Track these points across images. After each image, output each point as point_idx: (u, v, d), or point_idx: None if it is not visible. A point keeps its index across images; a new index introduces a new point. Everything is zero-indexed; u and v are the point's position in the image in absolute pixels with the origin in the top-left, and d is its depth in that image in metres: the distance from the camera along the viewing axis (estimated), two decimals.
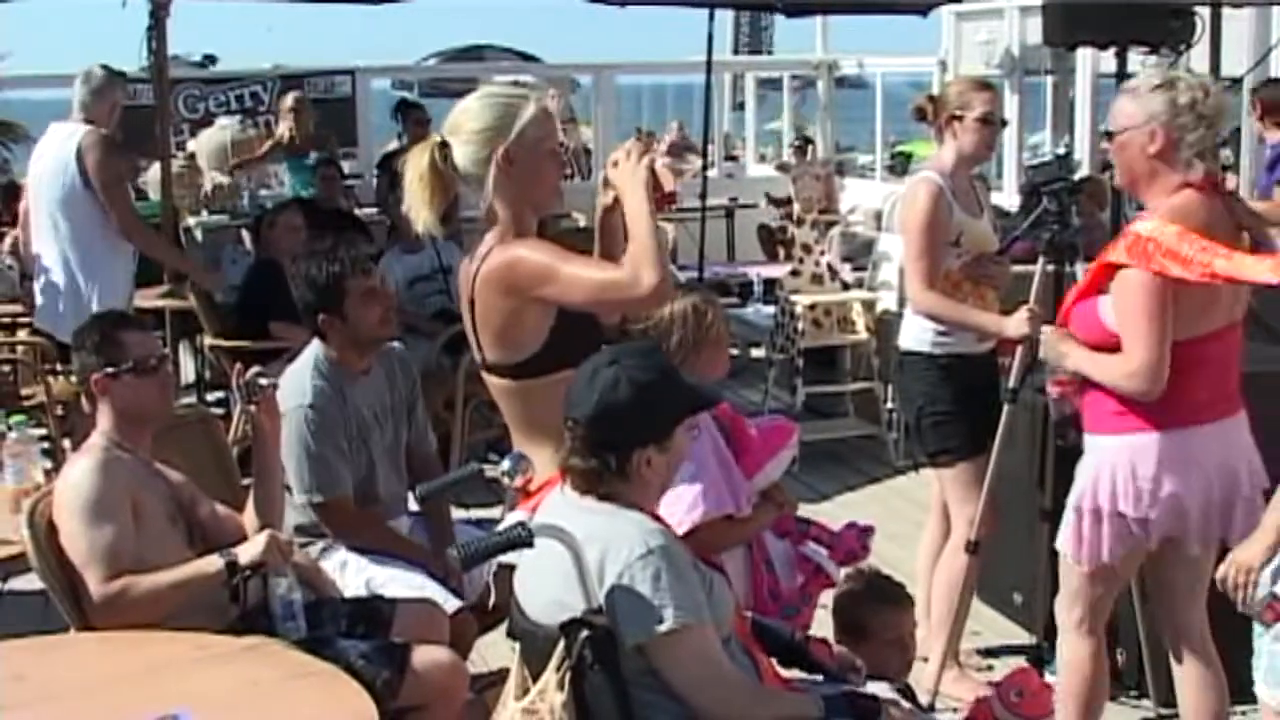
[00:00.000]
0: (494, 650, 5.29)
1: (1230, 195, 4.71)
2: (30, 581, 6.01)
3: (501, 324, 3.96)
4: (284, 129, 12.82)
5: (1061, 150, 5.61)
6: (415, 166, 3.99)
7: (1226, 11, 8.35)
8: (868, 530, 4.86)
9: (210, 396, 10.35)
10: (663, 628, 3.31)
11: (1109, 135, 4.53)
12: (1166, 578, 4.74)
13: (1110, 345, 4.41)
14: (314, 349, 5.25)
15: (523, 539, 3.38)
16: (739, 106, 20.82)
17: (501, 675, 4.49)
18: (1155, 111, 4.40)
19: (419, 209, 3.98)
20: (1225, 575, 4.13)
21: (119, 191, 7.93)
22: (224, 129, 13.52)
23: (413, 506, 5.40)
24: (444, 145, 3.97)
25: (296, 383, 5.09)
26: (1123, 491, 4.46)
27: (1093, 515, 4.52)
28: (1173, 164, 4.43)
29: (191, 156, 13.15)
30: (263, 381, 4.52)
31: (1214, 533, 4.54)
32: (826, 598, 4.73)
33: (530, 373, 3.95)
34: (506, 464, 3.73)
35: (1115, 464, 4.47)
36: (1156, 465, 4.44)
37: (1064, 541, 4.62)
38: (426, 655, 4.36)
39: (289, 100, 13.01)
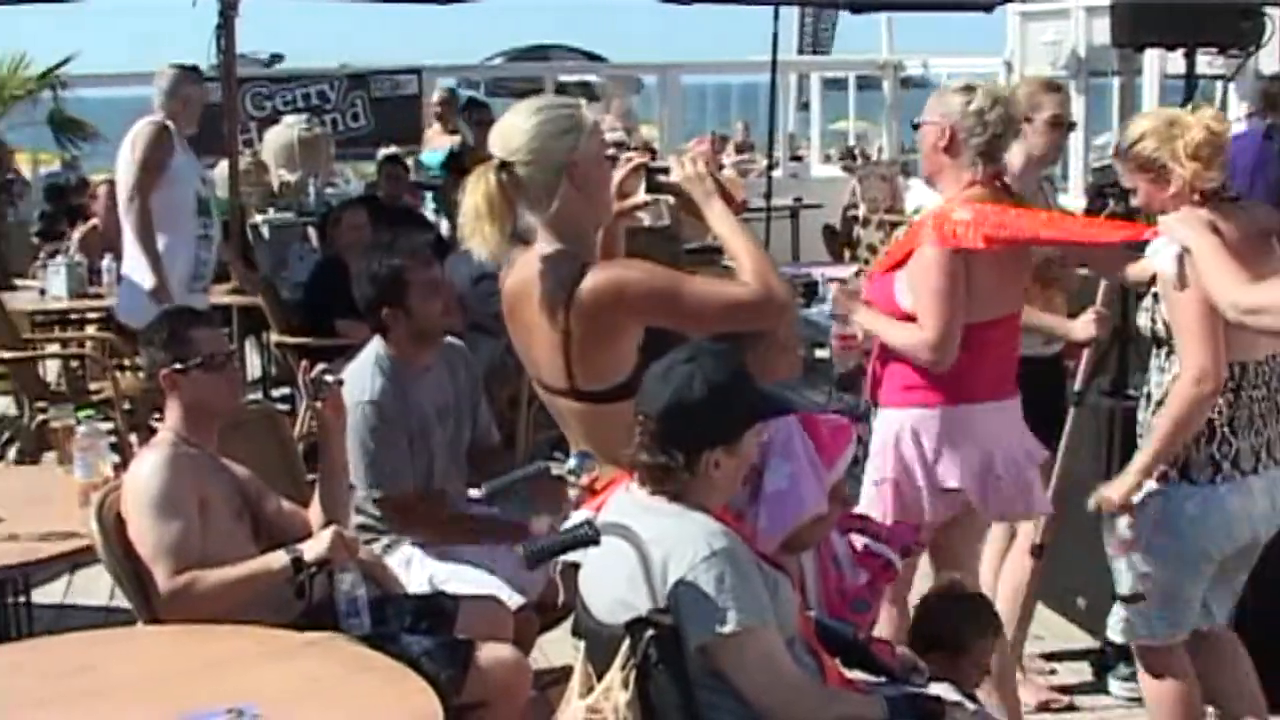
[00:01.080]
0: (556, 647, 5.30)
1: (1015, 191, 5.05)
2: (97, 574, 6.09)
3: (599, 349, 3.83)
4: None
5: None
6: (477, 192, 3.82)
7: None
8: (917, 526, 4.86)
9: (276, 393, 10.41)
10: (726, 629, 3.31)
11: (915, 126, 4.99)
12: (948, 540, 4.97)
13: (899, 319, 4.78)
14: (374, 346, 5.27)
15: (589, 537, 3.39)
16: (804, 107, 20.78)
17: (564, 673, 4.50)
18: (948, 111, 4.82)
19: (481, 237, 3.80)
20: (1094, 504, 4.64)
21: (143, 179, 7.94)
22: (290, 127, 13.61)
23: (474, 496, 5.40)
24: (504, 166, 3.84)
25: (358, 379, 5.11)
26: (910, 459, 4.76)
27: (892, 485, 4.80)
28: (958, 160, 4.80)
29: (258, 154, 13.24)
30: (329, 378, 4.54)
31: (1010, 507, 4.98)
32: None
33: (617, 397, 3.80)
34: (572, 462, 3.74)
35: (900, 435, 4.79)
36: (937, 438, 4.75)
37: (872, 512, 4.77)
38: (490, 652, 4.37)
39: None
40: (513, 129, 3.88)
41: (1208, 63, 7.08)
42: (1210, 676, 4.82)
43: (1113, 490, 4.59)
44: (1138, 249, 4.42)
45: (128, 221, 8.00)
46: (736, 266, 3.84)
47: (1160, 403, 4.56)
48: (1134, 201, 4.76)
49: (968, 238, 4.62)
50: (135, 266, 8.01)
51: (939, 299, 4.64)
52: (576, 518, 3.71)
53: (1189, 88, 6.11)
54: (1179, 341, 4.41)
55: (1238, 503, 4.53)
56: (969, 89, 4.87)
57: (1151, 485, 4.55)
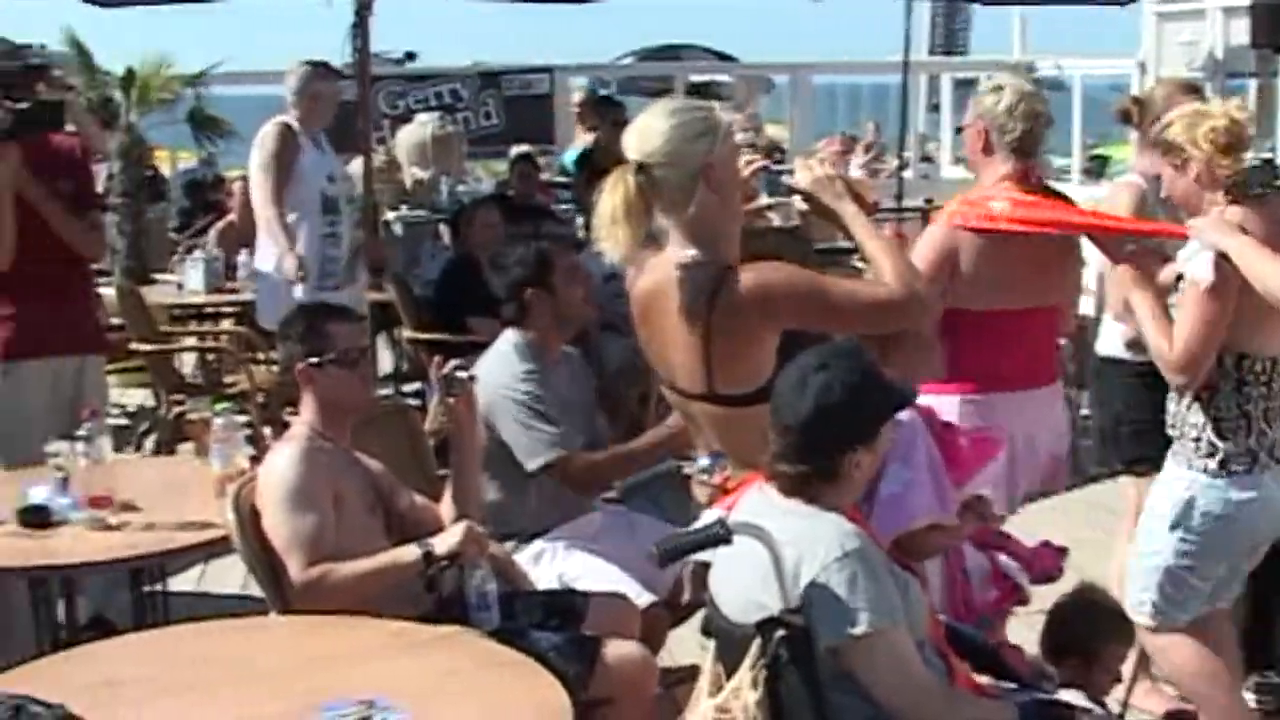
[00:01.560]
0: (683, 646, 5.30)
1: (1048, 185, 5.36)
2: (230, 565, 6.18)
3: (742, 354, 3.83)
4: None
5: (1266, 154, 5.49)
6: (614, 195, 3.80)
7: None
8: (1063, 550, 4.80)
9: (406, 388, 10.50)
10: (857, 630, 3.30)
11: (958, 130, 5.32)
12: None
13: None
14: (509, 337, 5.29)
15: (721, 536, 3.39)
16: (934, 108, 20.64)
17: (691, 671, 4.51)
18: (982, 112, 5.09)
19: (615, 240, 3.78)
20: None
21: (270, 180, 8.03)
22: (424, 125, 13.70)
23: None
24: (640, 169, 3.83)
25: (498, 366, 5.15)
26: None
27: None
28: (993, 157, 5.07)
29: (391, 152, 13.35)
30: (462, 374, 4.57)
31: (1014, 491, 5.12)
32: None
33: (754, 401, 3.77)
34: (704, 461, 3.74)
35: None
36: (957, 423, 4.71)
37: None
38: (618, 649, 4.38)
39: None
40: (649, 131, 3.87)
41: None
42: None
43: None
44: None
45: (260, 221, 8.10)
46: (875, 268, 3.83)
47: (1195, 399, 4.62)
48: (1162, 192, 4.87)
49: (997, 223, 4.91)
50: (268, 264, 8.10)
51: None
52: (708, 517, 3.71)
53: None
54: (1178, 331, 4.48)
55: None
56: (999, 88, 5.10)
57: (1193, 478, 4.61)
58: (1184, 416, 4.65)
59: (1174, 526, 4.65)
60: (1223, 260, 4.33)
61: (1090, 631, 4.35)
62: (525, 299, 5.27)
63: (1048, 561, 4.70)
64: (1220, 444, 4.57)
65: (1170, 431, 4.71)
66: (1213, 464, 4.59)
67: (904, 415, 4.06)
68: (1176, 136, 4.59)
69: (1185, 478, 4.63)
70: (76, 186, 6.13)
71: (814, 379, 3.44)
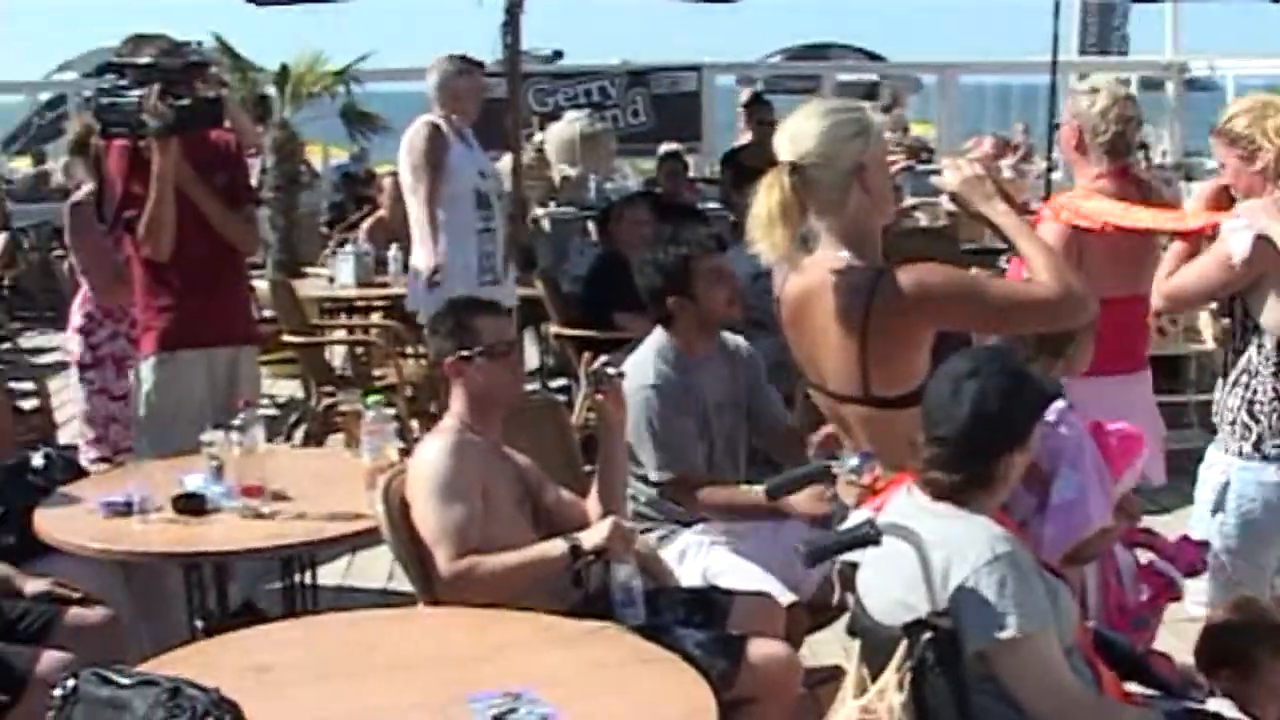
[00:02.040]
0: (826, 647, 5.29)
1: (1143, 183, 5.52)
2: (376, 556, 6.25)
3: (898, 355, 3.82)
4: None
5: None
6: (770, 197, 3.80)
7: None
8: (1204, 544, 4.74)
9: (553, 384, 10.56)
10: (1006, 634, 3.27)
11: (1054, 127, 5.40)
12: None
13: None
14: (656, 337, 5.31)
15: (870, 537, 3.38)
16: None
17: (833, 672, 4.50)
18: (1077, 112, 5.31)
19: (771, 242, 3.78)
20: None
21: (409, 180, 8.08)
22: (572, 123, 13.79)
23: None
24: (794, 169, 3.82)
25: (641, 367, 5.16)
26: None
27: None
28: (1087, 157, 5.31)
29: (540, 149, 13.44)
30: (610, 370, 4.59)
31: None
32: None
33: (908, 403, 3.74)
34: (854, 461, 3.72)
35: None
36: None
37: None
38: (762, 648, 4.37)
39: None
40: (802, 132, 3.86)
41: None
42: None
43: None
44: None
45: (414, 222, 8.16)
46: (1030, 267, 3.79)
47: (1234, 384, 4.76)
48: (1221, 179, 4.96)
49: (1088, 220, 5.08)
50: (422, 261, 8.15)
51: None
52: (857, 517, 3.70)
53: None
54: (1187, 270, 4.79)
55: None
56: (1094, 90, 5.30)
57: (1229, 462, 4.74)
58: (1224, 401, 4.78)
59: (1214, 511, 4.77)
60: (1261, 243, 4.53)
61: (1249, 643, 4.26)
62: (668, 307, 5.28)
63: (1191, 555, 4.65)
64: (1254, 425, 4.69)
65: (1214, 419, 4.87)
66: (1247, 446, 4.70)
67: (1069, 417, 4.03)
68: (1245, 128, 4.69)
69: (1222, 462, 4.76)
70: (231, 181, 6.23)
71: (967, 386, 3.42)
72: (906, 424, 3.65)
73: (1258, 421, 4.67)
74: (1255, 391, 4.69)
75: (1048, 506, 3.99)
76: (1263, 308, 4.70)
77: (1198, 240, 4.91)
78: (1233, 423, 4.73)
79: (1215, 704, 3.88)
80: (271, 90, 13.16)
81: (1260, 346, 4.68)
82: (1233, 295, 4.81)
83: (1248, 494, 4.70)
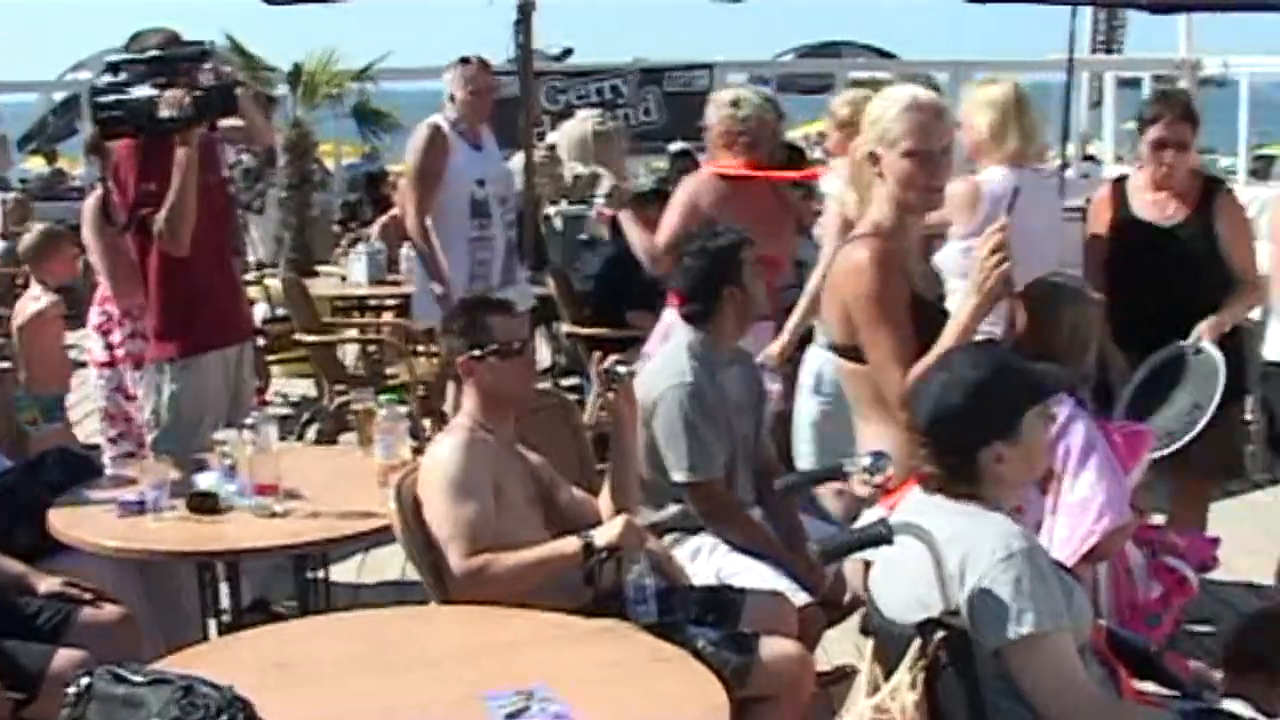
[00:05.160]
0: (838, 646, 5.29)
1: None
2: (389, 555, 6.25)
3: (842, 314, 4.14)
4: None
5: None
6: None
7: None
8: (1215, 540, 4.75)
9: (564, 382, 10.57)
10: (1021, 632, 3.26)
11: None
12: None
13: None
14: (685, 333, 5.26)
15: (884, 536, 3.38)
16: (1095, 105, 20.36)
17: (846, 671, 4.50)
18: (721, 118, 6.54)
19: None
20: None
21: (418, 189, 8.06)
22: (584, 121, 13.77)
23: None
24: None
25: (672, 364, 5.14)
26: None
27: None
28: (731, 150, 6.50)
29: (552, 148, 13.43)
30: (622, 369, 4.59)
31: None
32: None
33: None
34: (867, 460, 3.73)
35: None
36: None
37: None
38: (775, 647, 4.37)
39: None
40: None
41: None
42: None
43: None
44: None
45: (408, 228, 8.16)
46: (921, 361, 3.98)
47: None
48: None
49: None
50: (422, 271, 8.15)
51: None
52: (870, 516, 3.70)
53: None
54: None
55: None
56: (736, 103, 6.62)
57: None
58: None
59: None
60: None
61: (1278, 651, 4.25)
62: (721, 296, 5.24)
63: (1203, 552, 4.65)
64: None
65: None
66: None
67: (1080, 415, 4.04)
68: None
69: None
70: (219, 179, 6.25)
71: (935, 380, 3.51)
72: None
73: None
74: None
75: (1061, 505, 4.00)
76: None
77: None
78: None
79: (1230, 704, 3.87)
80: (284, 90, 13.18)
81: None
82: None
83: None
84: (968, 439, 3.44)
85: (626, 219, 7.20)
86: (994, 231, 4.00)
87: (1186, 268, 5.73)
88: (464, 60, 8.25)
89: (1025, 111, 6.05)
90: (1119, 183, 6.11)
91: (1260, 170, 19.36)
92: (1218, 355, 5.56)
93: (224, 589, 5.32)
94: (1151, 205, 5.86)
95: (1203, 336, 5.62)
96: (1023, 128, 5.98)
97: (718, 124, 6.73)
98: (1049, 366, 3.85)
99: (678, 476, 5.07)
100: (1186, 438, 5.42)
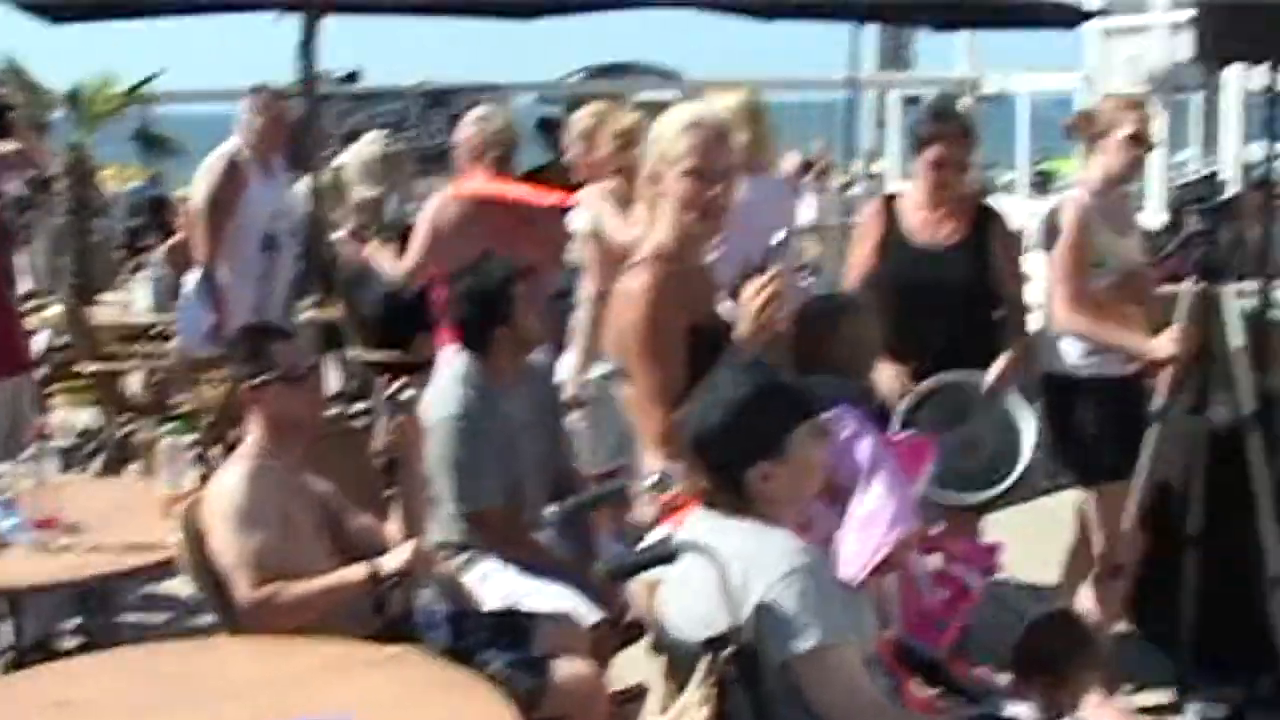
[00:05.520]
0: (634, 665, 5.31)
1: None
2: (179, 586, 6.13)
3: None
4: None
5: (1209, 169, 5.59)
6: None
7: None
8: (995, 547, 4.84)
9: (354, 408, 10.46)
10: (807, 646, 3.30)
11: None
12: None
13: None
14: (460, 363, 5.26)
15: (668, 555, 3.40)
16: (881, 124, 20.70)
17: (639, 690, 4.52)
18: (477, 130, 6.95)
19: None
20: None
21: (193, 215, 7.99)
22: (372, 144, 13.67)
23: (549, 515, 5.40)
24: None
25: (444, 394, 5.13)
26: None
27: None
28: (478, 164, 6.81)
29: (339, 171, 13.31)
30: (409, 394, 4.57)
31: None
32: None
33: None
34: (653, 480, 3.74)
35: None
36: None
37: None
38: (568, 667, 4.38)
39: None
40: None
41: None
42: None
43: None
44: None
45: (194, 256, 8.07)
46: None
47: None
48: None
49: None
50: (197, 296, 8.05)
51: None
52: (655, 535, 3.72)
53: (1271, 104, 6.04)
54: None
55: None
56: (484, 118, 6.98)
57: None
58: None
59: None
60: None
61: (1063, 653, 4.35)
62: (494, 336, 5.22)
63: (985, 558, 4.73)
64: None
65: None
66: None
67: (865, 429, 4.09)
68: None
69: None
70: None
71: (701, 399, 3.55)
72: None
73: None
74: None
75: (851, 519, 4.04)
76: None
77: None
78: None
79: (1014, 709, 3.96)
80: (62, 113, 12.89)
81: None
82: None
83: None
84: (733, 458, 3.48)
85: (373, 249, 7.25)
86: (767, 282, 4.06)
87: (959, 291, 5.74)
88: (255, 89, 8.18)
89: (758, 121, 6.16)
90: (889, 200, 6.05)
91: (1040, 185, 19.83)
92: (1024, 420, 5.65)
93: (4, 627, 5.19)
94: (925, 226, 5.83)
95: (1001, 382, 5.69)
96: (756, 136, 6.08)
97: (467, 139, 6.86)
98: (820, 381, 3.90)
99: (452, 508, 5.06)
100: (985, 496, 5.54)
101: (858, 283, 5.91)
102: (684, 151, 4.18)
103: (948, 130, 5.82)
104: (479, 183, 6.86)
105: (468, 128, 6.91)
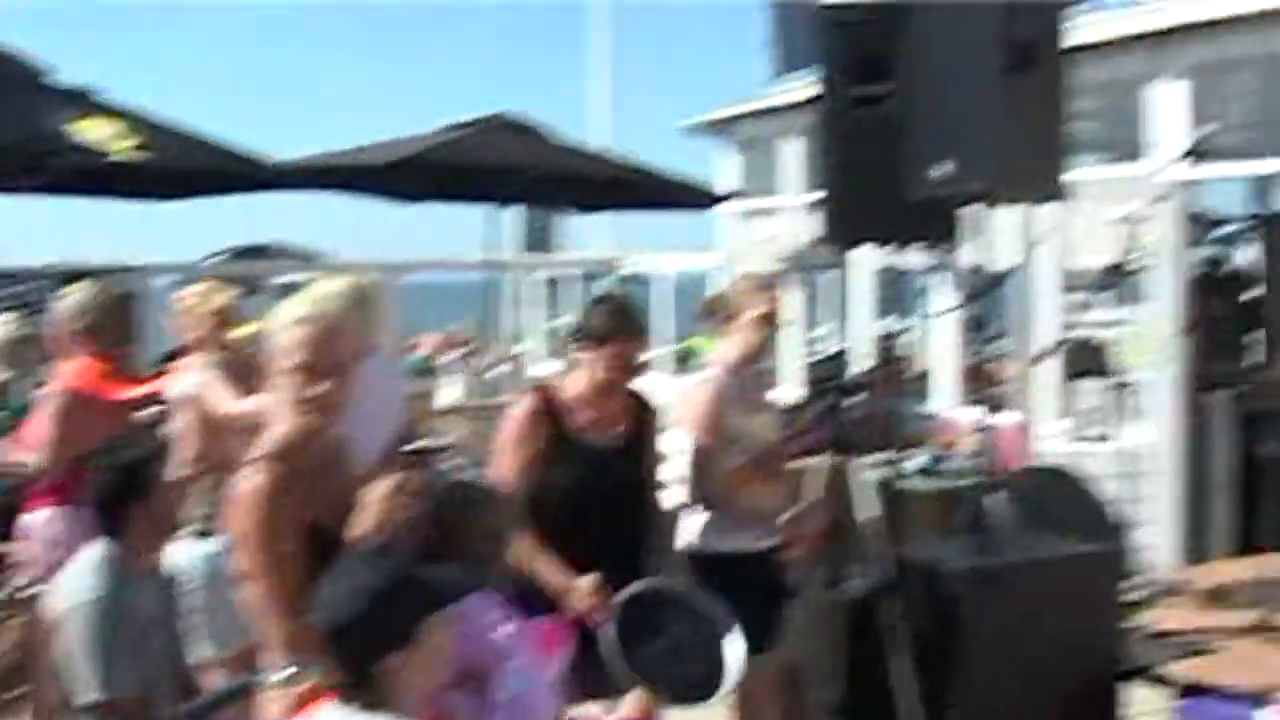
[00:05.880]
0: None
1: None
2: None
3: None
4: None
5: (838, 347, 5.76)
6: None
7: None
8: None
9: None
10: None
11: None
12: None
13: None
14: (96, 549, 5.04)
15: (244, 689, 3.31)
16: (520, 304, 20.89)
17: None
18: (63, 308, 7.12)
19: None
20: None
21: None
22: (5, 325, 13.27)
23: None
24: None
25: (77, 580, 4.91)
26: None
27: None
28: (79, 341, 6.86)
29: None
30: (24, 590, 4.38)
31: None
32: None
33: None
34: (286, 673, 3.64)
35: None
36: None
37: None
38: None
39: None
40: None
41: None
42: None
43: None
44: None
45: None
46: None
47: None
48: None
49: None
50: None
51: None
52: None
53: (894, 283, 6.30)
54: None
55: None
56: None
57: None
58: None
59: None
60: None
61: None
62: (126, 514, 5.02)
63: None
64: None
65: None
66: None
67: (505, 613, 4.06)
68: None
69: None
70: None
71: (326, 591, 3.46)
72: None
73: None
74: None
75: (493, 705, 3.99)
76: None
77: None
78: None
79: None
80: None
81: None
82: None
83: None
84: (364, 649, 3.39)
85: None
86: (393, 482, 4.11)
87: (632, 490, 5.47)
88: None
89: (364, 304, 6.33)
90: (546, 395, 5.50)
91: (681, 362, 20.22)
92: (724, 623, 5.19)
93: None
94: (594, 426, 5.44)
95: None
96: (362, 318, 6.17)
97: (59, 325, 6.97)
98: (450, 571, 3.85)
99: (85, 698, 4.83)
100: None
101: (520, 487, 5.27)
102: (293, 347, 4.17)
103: (628, 327, 5.55)
104: (80, 369, 6.90)
105: (59, 312, 6.85)
